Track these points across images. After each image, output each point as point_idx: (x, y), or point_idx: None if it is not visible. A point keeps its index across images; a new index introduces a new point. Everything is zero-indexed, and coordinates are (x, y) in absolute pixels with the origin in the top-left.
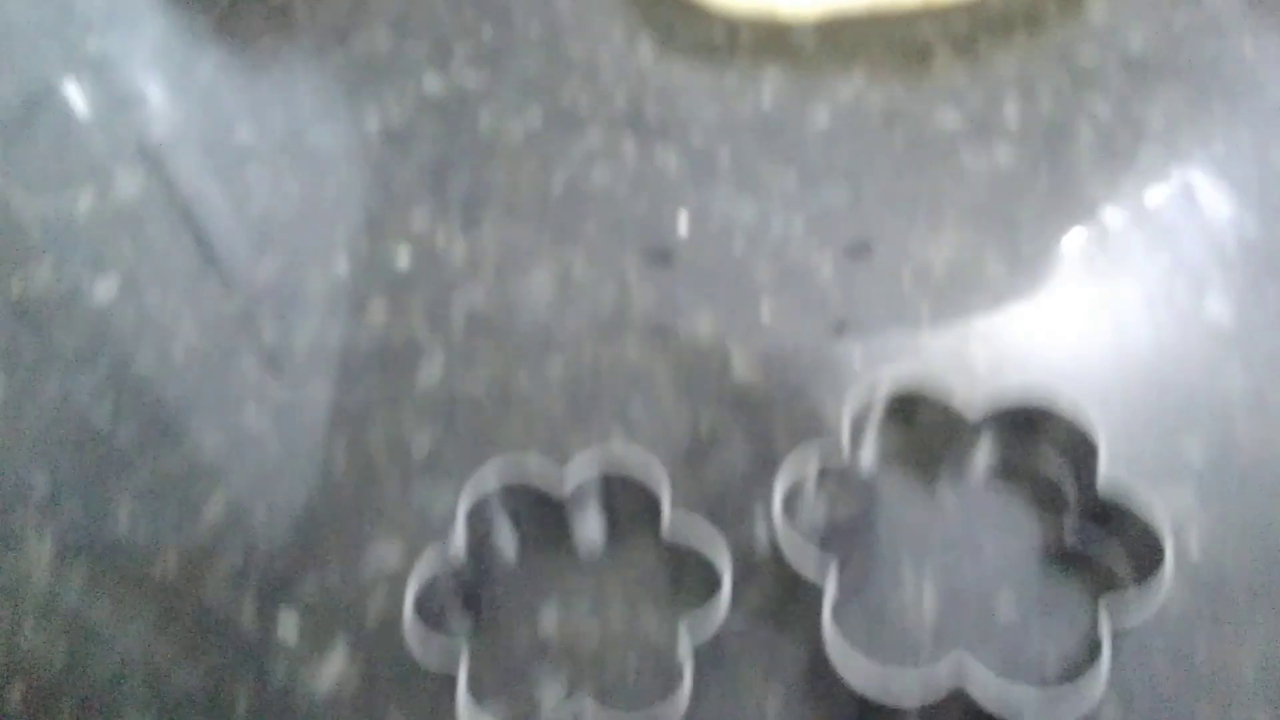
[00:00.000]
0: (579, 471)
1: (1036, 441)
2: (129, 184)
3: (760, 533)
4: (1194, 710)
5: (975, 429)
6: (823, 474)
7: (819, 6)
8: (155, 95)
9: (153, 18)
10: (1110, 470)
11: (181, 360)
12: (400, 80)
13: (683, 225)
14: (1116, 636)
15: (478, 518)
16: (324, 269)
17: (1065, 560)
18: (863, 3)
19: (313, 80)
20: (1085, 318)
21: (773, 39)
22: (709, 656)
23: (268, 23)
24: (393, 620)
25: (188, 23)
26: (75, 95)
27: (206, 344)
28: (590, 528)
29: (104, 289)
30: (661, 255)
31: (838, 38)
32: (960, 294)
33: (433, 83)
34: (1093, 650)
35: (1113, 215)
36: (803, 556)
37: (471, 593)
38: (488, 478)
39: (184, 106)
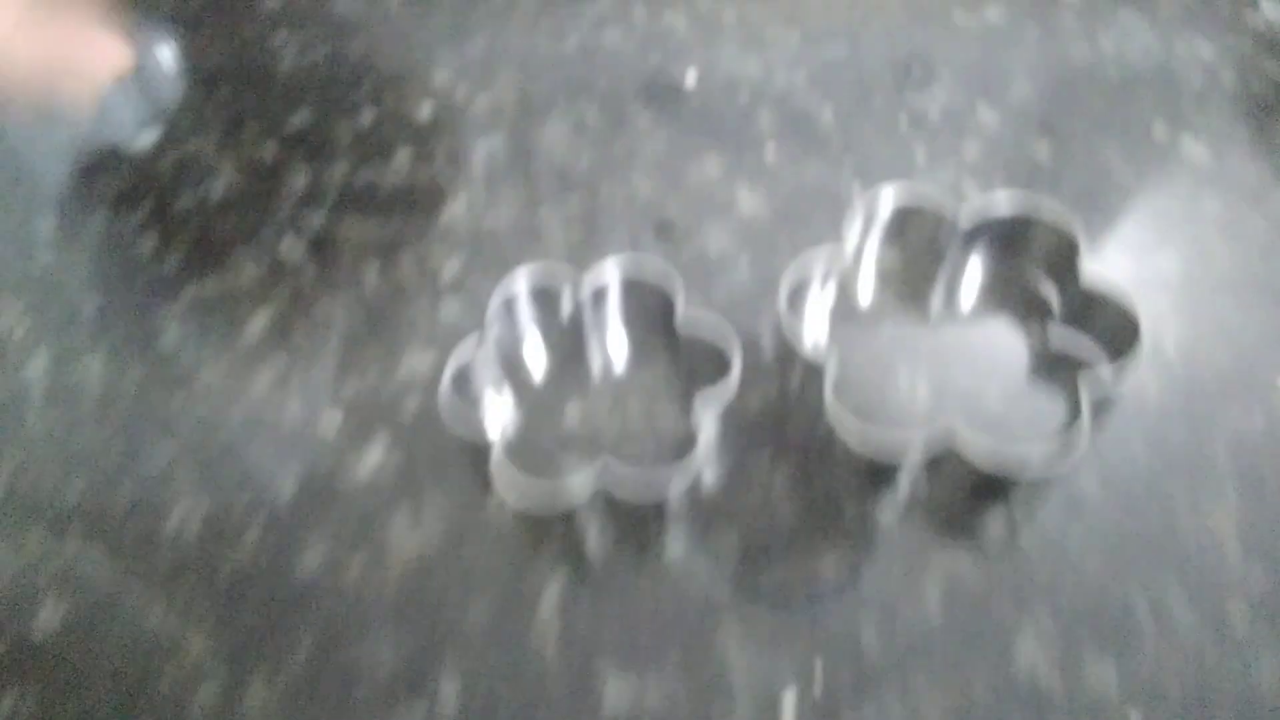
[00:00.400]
0: (600, 275)
1: (1021, 252)
2: (164, 49)
3: (766, 338)
4: (1168, 486)
5: (967, 237)
6: (826, 276)
7: None
8: None
9: None
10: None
11: (221, 198)
12: None
13: (690, 79)
14: (1097, 414)
15: (508, 314)
16: (351, 121)
17: (1049, 358)
18: None
19: None
20: (1070, 156)
21: None
22: (722, 437)
23: None
24: (427, 416)
25: None
26: None
27: (245, 185)
28: (610, 323)
29: (145, 139)
30: (671, 107)
31: None
32: (953, 138)
33: None
34: (1073, 418)
35: (1094, 67)
36: (804, 341)
37: (501, 380)
38: (517, 280)
39: None
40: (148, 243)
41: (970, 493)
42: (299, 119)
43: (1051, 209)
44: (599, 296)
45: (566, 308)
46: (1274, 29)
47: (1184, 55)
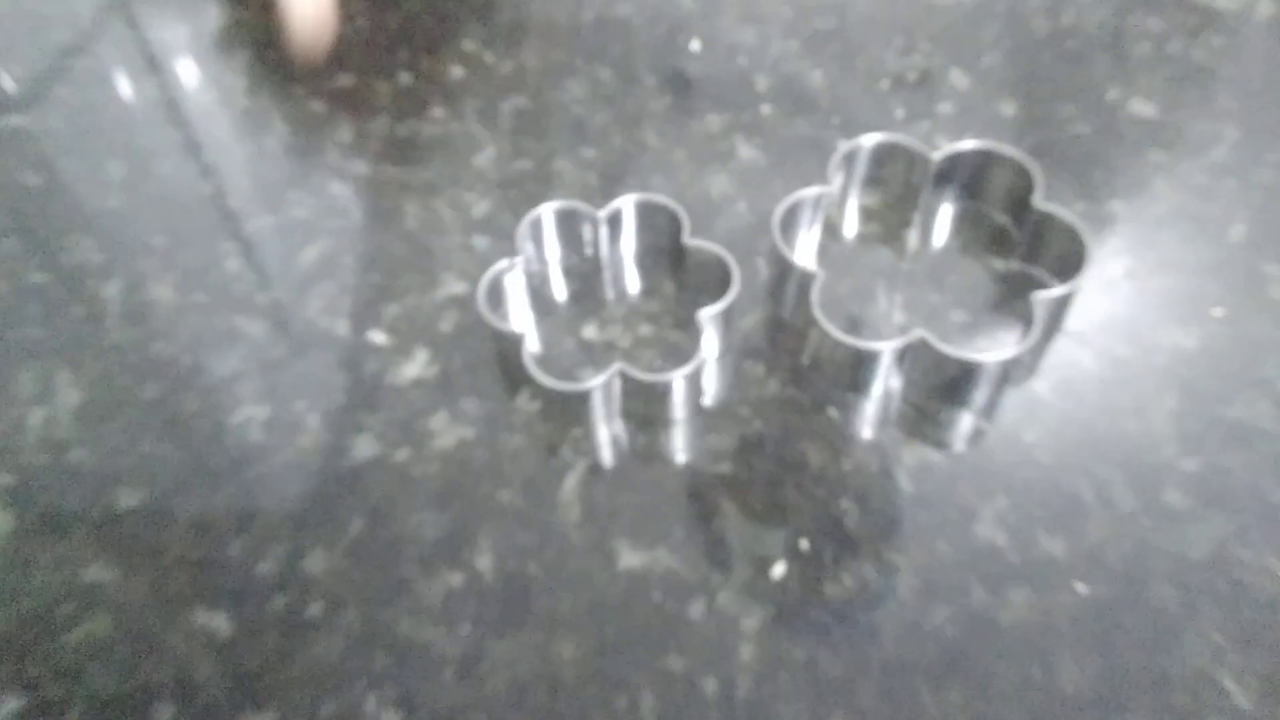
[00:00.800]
0: (615, 207)
1: (986, 191)
2: (219, 16)
3: (762, 264)
4: (1114, 393)
5: (938, 177)
6: (815, 210)
7: None
8: None
9: None
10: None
11: (274, 148)
12: None
13: (695, 45)
14: (1051, 330)
15: (534, 244)
16: (390, 82)
17: (1010, 282)
18: None
19: None
20: (1033, 115)
21: None
22: (722, 348)
23: None
24: (464, 331)
25: None
26: None
27: (294, 138)
28: (623, 250)
29: (204, 97)
30: (677, 70)
31: None
32: (928, 99)
33: None
34: (1026, 329)
35: (1055, 38)
36: (795, 261)
37: (529, 305)
38: (541, 211)
39: None
40: (207, 185)
41: (939, 396)
42: (344, 80)
43: (1011, 151)
44: (614, 225)
45: (586, 235)
46: (1217, 5)
47: (1136, 28)
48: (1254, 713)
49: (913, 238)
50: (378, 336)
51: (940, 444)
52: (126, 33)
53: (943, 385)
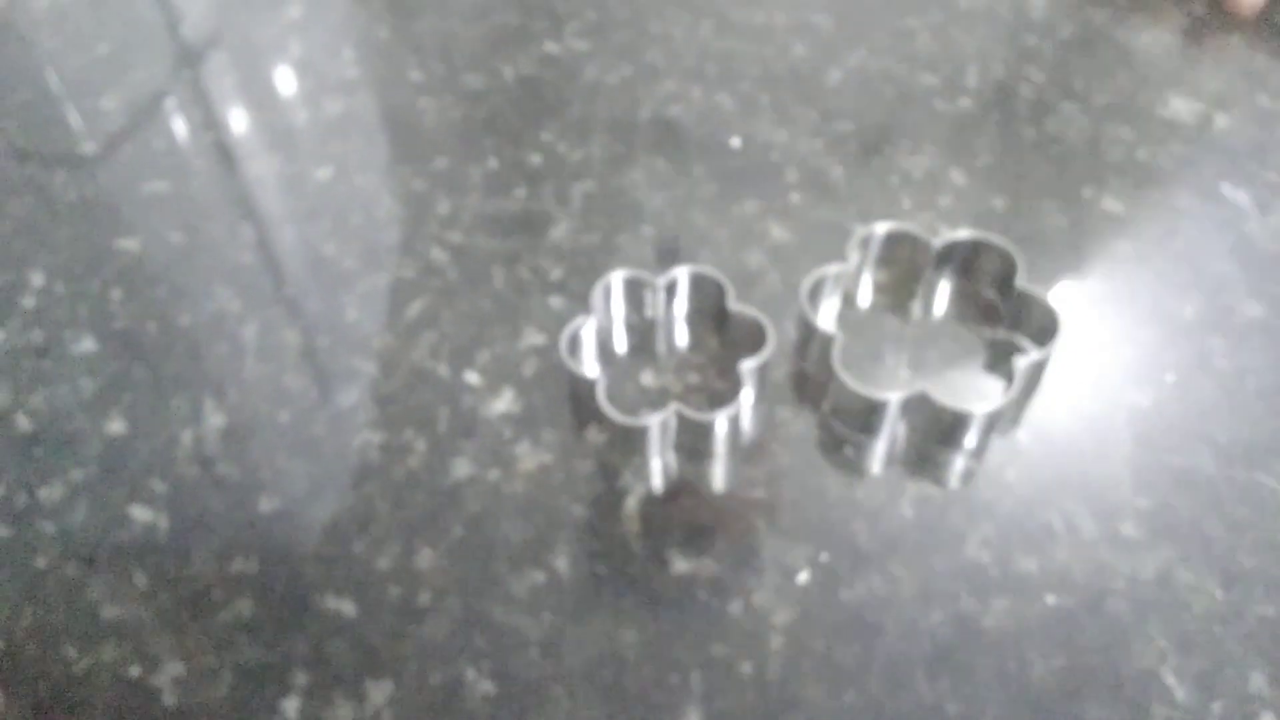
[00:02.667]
0: (672, 276)
1: (977, 272)
2: (335, 107)
3: (791, 327)
4: (1081, 440)
5: (938, 260)
6: (835, 284)
7: None
8: (348, 53)
9: None
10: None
11: (384, 218)
12: (527, 45)
13: (736, 142)
14: (1029, 388)
15: (604, 305)
16: (481, 165)
17: (996, 348)
18: None
19: (461, 43)
20: (1020, 209)
21: (795, 14)
22: (757, 395)
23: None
24: (543, 375)
25: None
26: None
27: (401, 211)
28: (677, 313)
29: (324, 173)
30: (720, 163)
31: (846, 24)
32: (931, 193)
33: (551, 47)
34: (1008, 387)
35: (1040, 145)
36: (820, 325)
37: (598, 355)
38: (611, 278)
39: (368, 59)
40: (329, 247)
41: (937, 440)
42: (440, 163)
43: (999, 240)
44: (670, 291)
45: (646, 298)
46: (1180, 118)
47: (1110, 136)
48: (1190, 704)
49: (916, 308)
50: (472, 377)
51: (937, 479)
52: (257, 116)
53: (940, 431)
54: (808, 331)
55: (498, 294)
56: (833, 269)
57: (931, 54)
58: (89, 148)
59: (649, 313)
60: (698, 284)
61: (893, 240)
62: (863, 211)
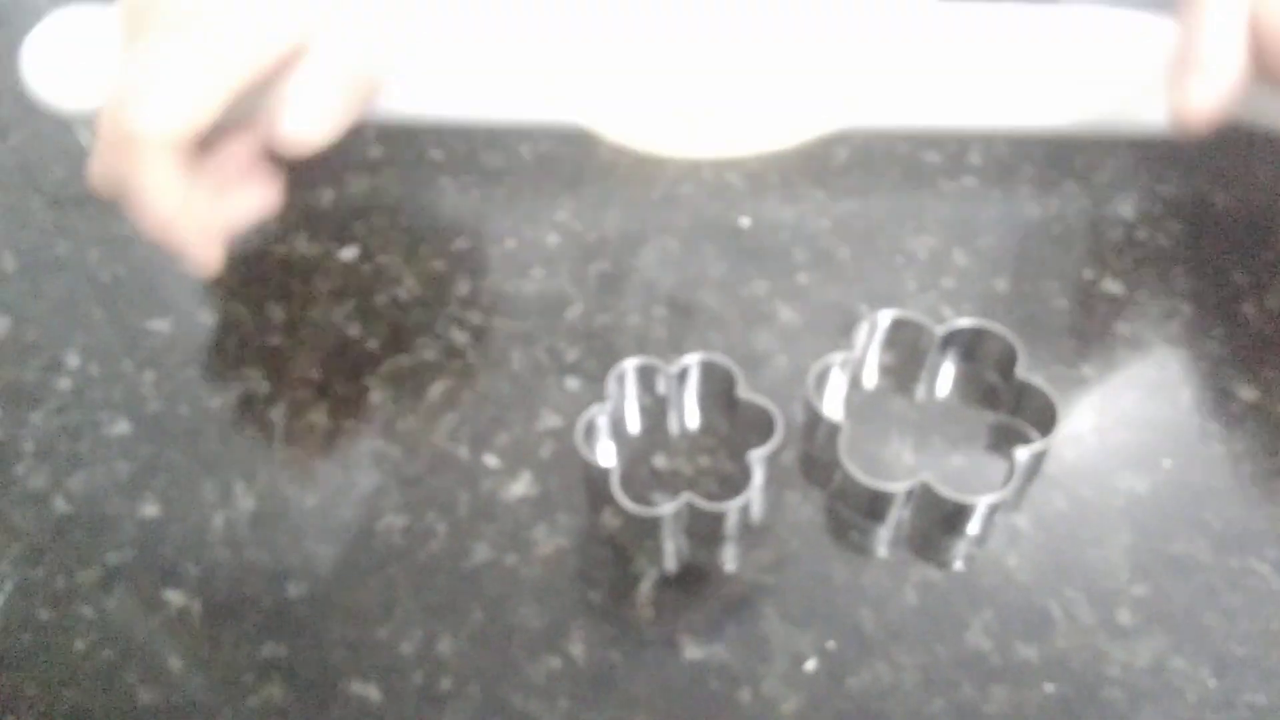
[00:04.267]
0: (683, 363)
1: (979, 357)
2: (358, 186)
3: (799, 412)
4: (1079, 526)
5: (941, 346)
6: (841, 370)
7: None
8: (370, 132)
9: None
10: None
11: (406, 299)
12: (546, 124)
13: (745, 222)
14: (1029, 475)
15: (617, 390)
16: (499, 246)
17: (997, 433)
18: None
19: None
20: (1021, 290)
21: None
22: (766, 480)
23: None
24: (559, 458)
25: None
26: None
27: (423, 292)
28: (688, 399)
29: (348, 254)
30: (730, 242)
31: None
32: (935, 274)
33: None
34: (1010, 476)
35: (1042, 224)
36: (826, 414)
37: (611, 439)
38: (625, 366)
39: (390, 139)
40: (353, 328)
41: (940, 526)
42: (460, 242)
43: (1000, 329)
44: (681, 377)
45: (659, 383)
46: (1179, 198)
47: (1110, 215)
48: None
49: (920, 392)
50: (491, 460)
51: (940, 565)
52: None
53: (942, 519)
54: (814, 419)
55: (515, 375)
56: (838, 357)
57: (935, 132)
58: (118, 228)
59: (661, 396)
60: (708, 371)
61: (897, 326)
62: (869, 292)
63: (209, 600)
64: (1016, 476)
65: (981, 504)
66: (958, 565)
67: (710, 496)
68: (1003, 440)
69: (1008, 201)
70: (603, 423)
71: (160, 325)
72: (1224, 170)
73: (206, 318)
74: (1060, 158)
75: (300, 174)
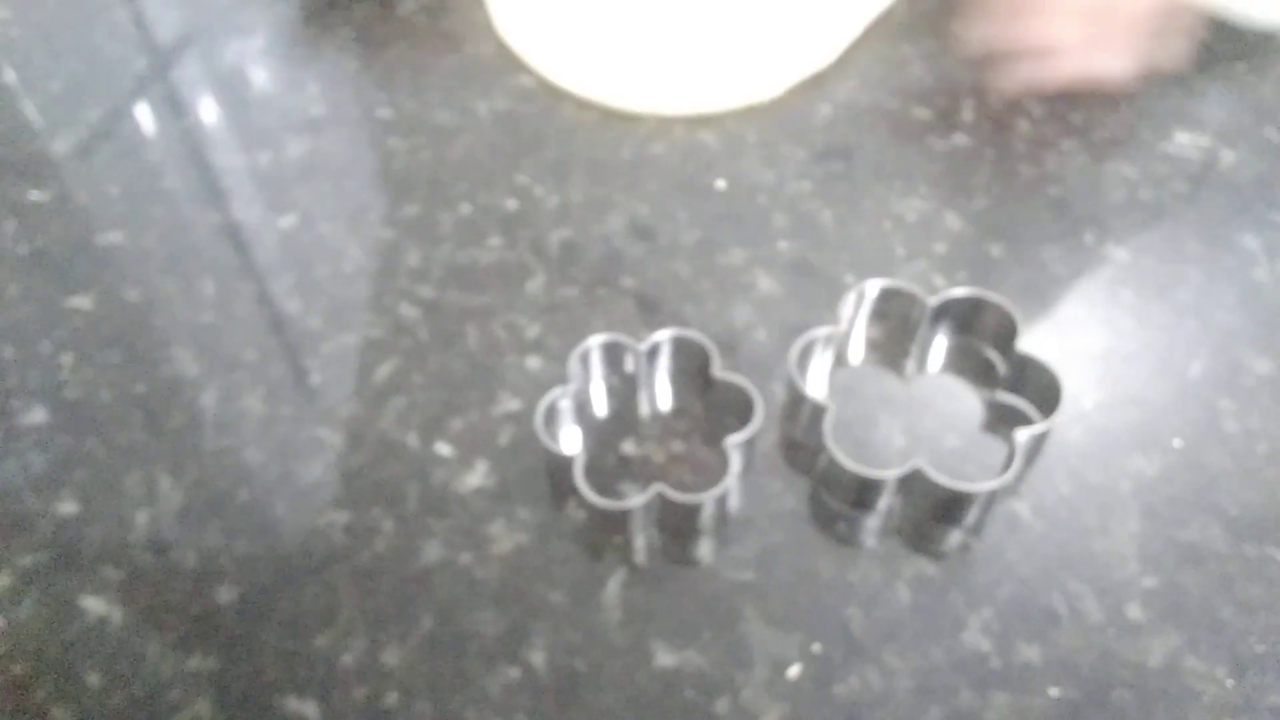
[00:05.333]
0: (654, 340)
1: (975, 328)
2: (298, 148)
3: (780, 392)
4: (1084, 514)
5: (933, 317)
6: (825, 345)
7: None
8: (313, 87)
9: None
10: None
11: (350, 271)
12: (504, 79)
13: (720, 184)
14: (1030, 456)
15: (582, 371)
16: (453, 212)
17: (995, 411)
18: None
19: (433, 77)
20: (1018, 256)
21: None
22: (745, 467)
23: (391, 29)
24: (519, 445)
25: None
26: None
27: (369, 263)
28: (659, 380)
29: (286, 221)
30: (704, 206)
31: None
32: (925, 239)
33: (528, 81)
34: (1009, 460)
35: (1038, 184)
36: (810, 394)
37: (576, 423)
38: (590, 344)
39: (334, 94)
40: (292, 304)
41: (933, 514)
42: (410, 209)
43: (997, 298)
44: (652, 356)
45: (628, 362)
46: (1184, 154)
47: (1111, 175)
48: None
49: (911, 367)
50: (443, 448)
51: (935, 557)
52: (213, 159)
53: (937, 508)
54: (797, 399)
55: (470, 355)
56: (823, 331)
57: (924, 84)
58: (37, 195)
59: (630, 376)
60: (681, 348)
61: (886, 297)
62: (855, 260)
63: (131, 607)
64: (1017, 461)
65: (980, 492)
66: (953, 559)
67: (684, 486)
68: (1001, 420)
69: (1002, 160)
70: (566, 406)
71: (81, 302)
72: (1232, 125)
73: (132, 293)
74: (1057, 113)
75: (238, 133)
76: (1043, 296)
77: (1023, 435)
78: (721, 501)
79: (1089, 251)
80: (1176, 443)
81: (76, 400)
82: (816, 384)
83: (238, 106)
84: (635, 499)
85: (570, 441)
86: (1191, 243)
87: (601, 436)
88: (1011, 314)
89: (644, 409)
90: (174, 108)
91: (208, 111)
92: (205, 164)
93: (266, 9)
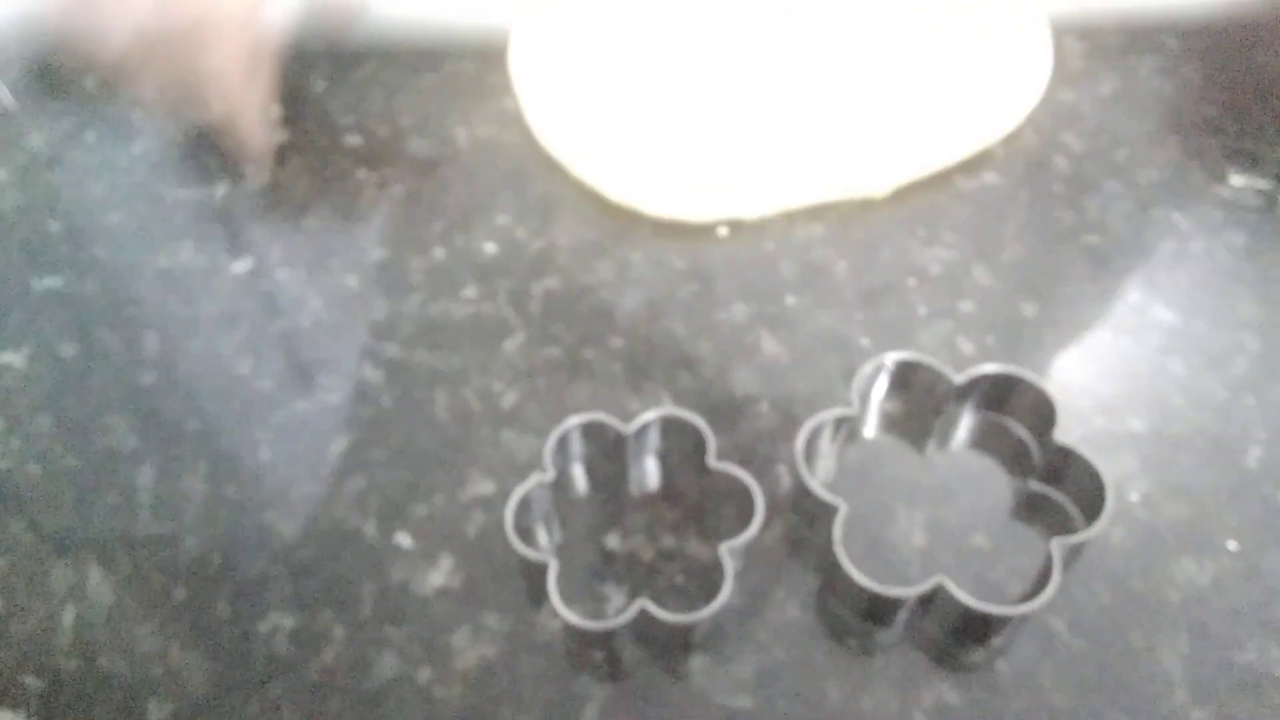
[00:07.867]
0: (643, 423)
1: (1007, 408)
2: (255, 179)
3: (784, 479)
4: (1127, 629)
5: (960, 395)
6: (836, 429)
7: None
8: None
9: None
10: (1067, 437)
11: (308, 326)
12: (485, 101)
13: (722, 231)
14: (1066, 564)
15: (561, 455)
16: (425, 257)
17: (1028, 505)
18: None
19: (410, 98)
20: (1054, 316)
21: None
22: (743, 568)
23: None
24: (489, 536)
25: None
26: None
27: (330, 317)
28: (649, 470)
29: (240, 267)
30: (705, 252)
31: None
32: (951, 296)
33: (511, 104)
34: (1044, 579)
35: (1077, 231)
36: (817, 486)
37: (554, 513)
38: (570, 426)
39: (298, 118)
40: (243, 364)
41: (956, 633)
42: (378, 253)
43: (1032, 377)
44: (640, 438)
45: (613, 445)
46: (1241, 199)
47: (1159, 222)
48: None
49: (933, 452)
50: (404, 539)
51: (957, 683)
52: (163, 193)
53: (961, 625)
54: (803, 494)
55: (439, 426)
56: (833, 414)
57: None
58: None
59: (615, 460)
60: (673, 429)
61: (906, 371)
62: (870, 319)
63: None
64: (1055, 576)
65: (1012, 616)
66: (979, 683)
67: (675, 589)
68: (1035, 515)
69: (1038, 204)
70: (542, 496)
71: (11, 359)
72: None
73: (67, 349)
74: (1099, 150)
75: (187, 163)
76: (1080, 366)
77: (1059, 548)
78: (714, 617)
79: (1133, 313)
80: (1232, 545)
81: (2, 475)
82: (826, 471)
83: (189, 132)
84: (615, 620)
85: (547, 535)
86: (1248, 305)
87: (582, 530)
88: (1050, 398)
89: (630, 497)
90: (122, 135)
91: (155, 139)
92: (154, 198)
93: None
